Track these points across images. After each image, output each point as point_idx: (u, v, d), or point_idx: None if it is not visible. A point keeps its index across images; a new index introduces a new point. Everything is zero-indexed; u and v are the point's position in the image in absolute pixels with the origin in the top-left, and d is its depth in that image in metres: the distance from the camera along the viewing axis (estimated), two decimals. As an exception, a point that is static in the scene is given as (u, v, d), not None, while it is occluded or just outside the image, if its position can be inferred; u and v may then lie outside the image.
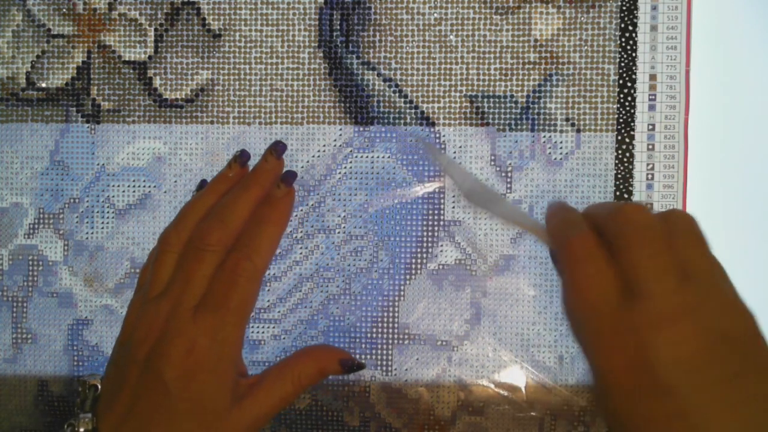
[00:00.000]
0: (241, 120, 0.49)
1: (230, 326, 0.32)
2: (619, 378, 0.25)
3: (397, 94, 0.48)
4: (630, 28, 0.47)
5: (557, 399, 0.47)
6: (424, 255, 0.48)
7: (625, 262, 0.27)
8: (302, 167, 0.48)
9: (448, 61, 0.48)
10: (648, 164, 0.47)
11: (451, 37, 0.48)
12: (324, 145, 0.48)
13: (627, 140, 0.47)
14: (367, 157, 0.48)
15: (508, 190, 0.48)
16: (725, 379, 0.25)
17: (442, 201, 0.48)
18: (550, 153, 0.48)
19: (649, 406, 0.25)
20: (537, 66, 0.48)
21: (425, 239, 0.48)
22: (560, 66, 0.48)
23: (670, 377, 0.25)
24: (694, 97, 0.47)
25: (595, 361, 0.26)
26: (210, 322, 0.32)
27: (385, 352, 0.48)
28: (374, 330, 0.48)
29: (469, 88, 0.48)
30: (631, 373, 0.25)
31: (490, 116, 0.48)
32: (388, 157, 0.48)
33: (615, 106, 0.47)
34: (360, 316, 0.48)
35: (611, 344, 0.26)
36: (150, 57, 0.49)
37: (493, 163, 0.48)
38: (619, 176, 0.47)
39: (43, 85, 0.50)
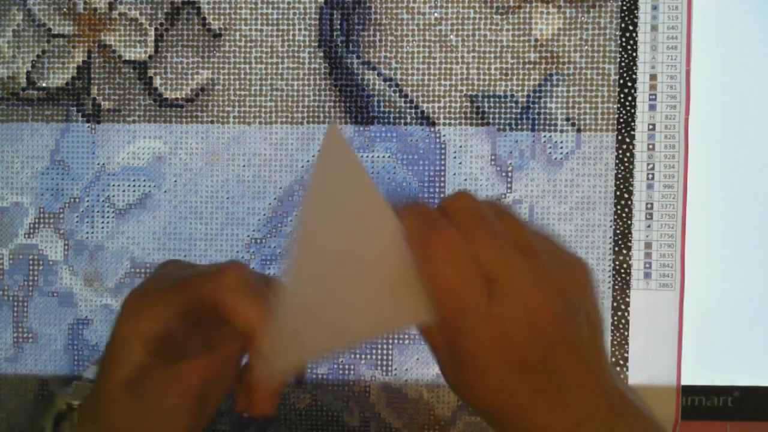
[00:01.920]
0: (241, 120, 0.49)
1: None
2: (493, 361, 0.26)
3: (397, 94, 0.48)
4: (630, 28, 0.47)
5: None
6: (424, 255, 0.48)
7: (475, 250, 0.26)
8: (302, 167, 0.49)
9: (449, 60, 0.48)
10: (648, 164, 0.47)
11: (452, 36, 0.48)
12: (324, 145, 0.48)
13: (627, 140, 0.47)
14: (367, 157, 0.48)
15: (509, 190, 0.48)
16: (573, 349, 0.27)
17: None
18: (550, 153, 0.48)
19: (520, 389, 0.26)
20: (537, 66, 0.48)
21: (425, 239, 0.48)
22: (560, 66, 0.48)
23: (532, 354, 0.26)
24: (694, 97, 0.47)
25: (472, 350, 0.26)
26: None
27: (385, 352, 0.48)
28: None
29: (470, 87, 0.48)
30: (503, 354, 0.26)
31: (491, 116, 0.48)
32: (388, 157, 0.48)
33: (615, 106, 0.47)
34: (360, 316, 0.48)
35: (485, 337, 0.26)
36: (150, 56, 0.49)
37: (493, 162, 0.48)
38: (619, 176, 0.47)
39: (44, 84, 0.50)
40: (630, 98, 0.47)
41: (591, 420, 0.27)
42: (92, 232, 0.49)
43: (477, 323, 0.26)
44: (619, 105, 0.47)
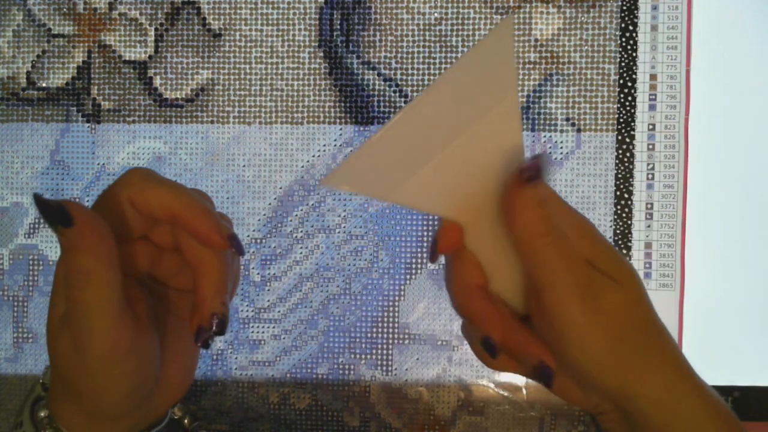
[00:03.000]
0: (241, 120, 0.49)
1: None
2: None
3: (397, 94, 0.48)
4: (630, 28, 0.47)
5: (557, 399, 0.47)
6: (424, 255, 0.48)
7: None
8: (302, 167, 0.49)
9: (449, 60, 0.48)
10: (648, 164, 0.47)
11: (452, 36, 0.48)
12: (324, 145, 0.48)
13: (627, 140, 0.47)
14: (367, 157, 0.48)
15: (508, 190, 0.48)
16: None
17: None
18: (550, 153, 0.48)
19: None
20: (537, 66, 0.48)
21: (425, 239, 0.48)
22: (560, 66, 0.48)
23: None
24: (694, 97, 0.47)
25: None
26: None
27: (385, 352, 0.48)
28: (374, 330, 0.48)
29: (470, 87, 0.48)
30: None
31: (491, 116, 0.48)
32: (388, 157, 0.48)
33: (615, 106, 0.47)
34: (360, 316, 0.48)
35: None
36: (150, 57, 0.49)
37: (493, 163, 0.48)
38: (620, 176, 0.47)
39: (44, 84, 0.50)
40: (630, 98, 0.47)
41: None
42: (92, 232, 0.49)
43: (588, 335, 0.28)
44: (619, 105, 0.47)
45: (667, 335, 0.30)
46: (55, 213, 0.26)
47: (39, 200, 0.26)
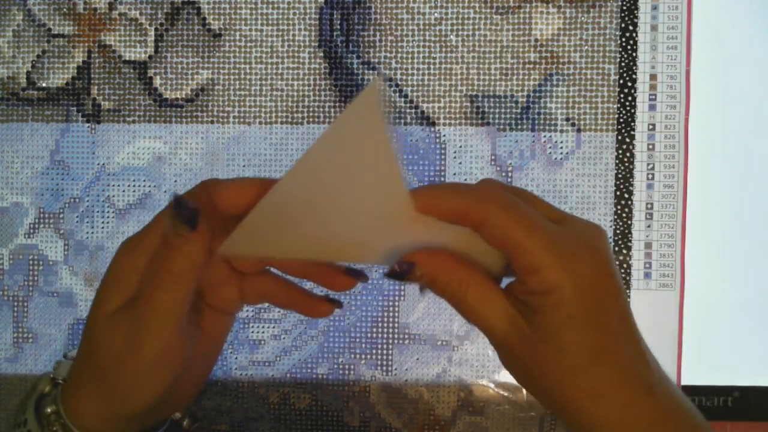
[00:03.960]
0: (241, 120, 0.49)
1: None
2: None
3: (397, 94, 0.48)
4: (630, 28, 0.47)
5: (557, 399, 0.47)
6: (424, 255, 0.48)
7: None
8: (302, 167, 0.48)
9: (449, 60, 0.48)
10: (648, 164, 0.47)
11: (452, 36, 0.48)
12: (324, 145, 0.48)
13: (627, 140, 0.47)
14: (367, 157, 0.48)
15: (508, 190, 0.48)
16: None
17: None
18: (550, 153, 0.48)
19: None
20: (537, 66, 0.48)
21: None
22: (560, 66, 0.48)
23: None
24: (694, 97, 0.47)
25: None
26: None
27: (385, 352, 0.48)
28: (374, 330, 0.48)
29: (470, 87, 0.48)
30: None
31: (491, 116, 0.48)
32: (388, 157, 0.48)
33: (615, 106, 0.47)
34: (360, 316, 0.48)
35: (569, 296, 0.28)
36: (150, 57, 0.49)
37: (493, 162, 0.48)
38: (620, 176, 0.47)
39: (44, 84, 0.50)
40: (630, 98, 0.47)
41: (659, 385, 0.28)
42: (92, 232, 0.49)
43: (568, 267, 0.27)
44: (619, 105, 0.47)
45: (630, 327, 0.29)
46: (188, 214, 0.27)
47: (178, 200, 0.27)
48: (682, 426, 0.28)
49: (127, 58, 0.49)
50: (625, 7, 0.47)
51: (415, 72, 0.48)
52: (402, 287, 0.48)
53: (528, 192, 0.30)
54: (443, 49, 0.48)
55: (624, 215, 0.47)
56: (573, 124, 0.48)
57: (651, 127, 0.47)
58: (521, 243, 0.27)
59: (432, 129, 0.48)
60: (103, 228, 0.49)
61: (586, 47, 0.47)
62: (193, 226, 0.27)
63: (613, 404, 0.28)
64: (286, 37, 0.49)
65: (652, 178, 0.47)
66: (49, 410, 0.30)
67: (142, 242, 0.29)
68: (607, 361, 0.28)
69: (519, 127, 0.48)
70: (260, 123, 0.49)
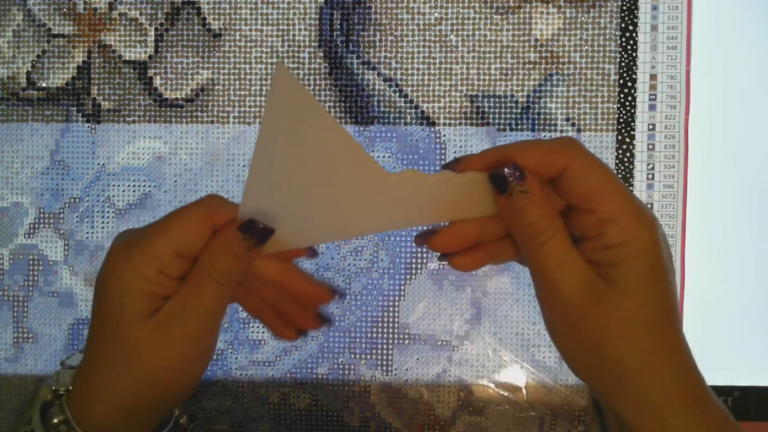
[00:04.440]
0: (241, 120, 0.49)
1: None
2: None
3: (397, 94, 0.48)
4: (630, 28, 0.47)
5: (557, 399, 0.47)
6: (424, 255, 0.48)
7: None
8: (302, 167, 0.49)
9: (449, 60, 0.48)
10: (648, 164, 0.47)
11: (452, 36, 0.48)
12: (324, 145, 0.48)
13: (627, 140, 0.47)
14: (367, 157, 0.48)
15: (508, 190, 0.48)
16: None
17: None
18: (550, 153, 0.48)
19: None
20: (537, 66, 0.48)
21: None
22: (560, 66, 0.48)
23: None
24: (694, 97, 0.47)
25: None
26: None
27: (385, 352, 0.48)
28: (374, 330, 0.48)
29: (470, 87, 0.48)
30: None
31: (491, 116, 0.48)
32: (389, 156, 0.48)
33: (615, 106, 0.47)
34: (360, 316, 0.48)
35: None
36: (150, 57, 0.49)
37: (493, 163, 0.48)
38: (620, 176, 0.47)
39: (44, 84, 0.50)
40: (630, 98, 0.47)
41: (687, 383, 0.28)
42: (92, 232, 0.49)
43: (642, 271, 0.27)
44: (619, 105, 0.47)
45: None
46: (262, 232, 0.30)
47: (252, 220, 0.30)
48: (719, 412, 0.29)
49: (127, 58, 0.49)
50: (625, 7, 0.47)
51: (415, 72, 0.48)
52: (402, 287, 0.48)
53: (601, 165, 0.30)
54: (443, 49, 0.48)
55: (624, 215, 0.47)
56: (573, 124, 0.48)
57: (651, 127, 0.47)
58: (604, 191, 0.28)
59: (432, 129, 0.48)
60: (103, 228, 0.49)
61: (586, 47, 0.47)
62: (262, 243, 0.30)
63: (677, 368, 0.28)
64: (286, 37, 0.49)
65: (652, 178, 0.47)
66: (56, 420, 0.31)
67: (141, 251, 0.30)
68: (674, 320, 0.28)
69: (519, 127, 0.48)
70: (260, 123, 0.49)
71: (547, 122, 0.48)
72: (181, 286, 0.31)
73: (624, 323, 0.27)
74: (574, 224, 0.29)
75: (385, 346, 0.48)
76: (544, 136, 0.48)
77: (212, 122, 0.49)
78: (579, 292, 0.28)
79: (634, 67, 0.47)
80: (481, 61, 0.48)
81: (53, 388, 0.32)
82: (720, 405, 0.29)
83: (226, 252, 0.30)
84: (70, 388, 0.32)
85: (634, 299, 0.27)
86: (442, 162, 0.48)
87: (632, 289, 0.27)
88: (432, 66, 0.48)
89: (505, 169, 0.28)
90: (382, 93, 0.48)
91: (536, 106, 0.48)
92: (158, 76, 0.49)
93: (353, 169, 0.29)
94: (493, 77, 0.48)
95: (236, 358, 0.49)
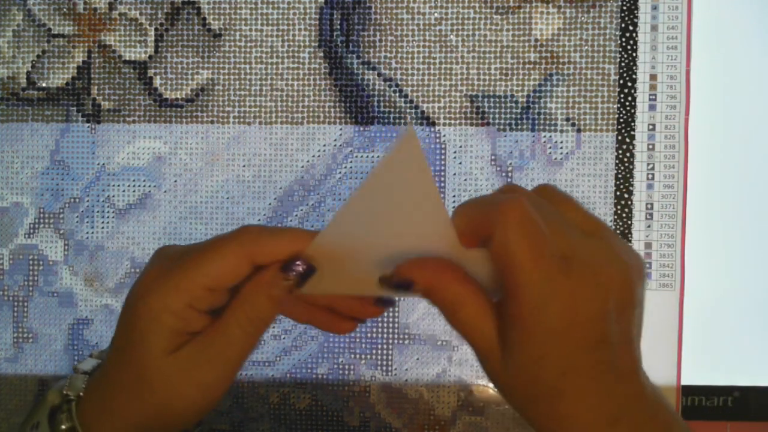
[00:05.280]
0: (241, 120, 0.49)
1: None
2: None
3: (397, 94, 0.48)
4: (630, 28, 0.47)
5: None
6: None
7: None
8: (302, 167, 0.49)
9: (449, 60, 0.48)
10: (648, 164, 0.47)
11: (452, 36, 0.48)
12: (324, 145, 0.48)
13: (627, 140, 0.47)
14: (367, 157, 0.48)
15: (508, 190, 0.48)
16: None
17: (442, 200, 0.48)
18: (550, 153, 0.48)
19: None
20: (537, 66, 0.48)
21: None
22: (560, 66, 0.48)
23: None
24: (694, 97, 0.47)
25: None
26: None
27: (385, 352, 0.48)
28: (374, 330, 0.48)
29: (470, 87, 0.48)
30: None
31: (491, 116, 0.48)
32: (388, 157, 0.48)
33: (615, 106, 0.47)
34: (360, 316, 0.48)
35: (555, 311, 0.28)
36: (150, 57, 0.49)
37: (493, 162, 0.48)
38: (620, 176, 0.47)
39: (44, 84, 0.50)
40: (630, 98, 0.47)
41: (628, 414, 0.27)
42: (92, 232, 0.49)
43: (547, 296, 0.26)
44: (619, 105, 0.47)
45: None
46: (304, 273, 0.29)
47: (293, 259, 0.29)
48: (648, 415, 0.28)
49: (127, 58, 0.49)
50: (625, 7, 0.47)
51: (415, 72, 0.48)
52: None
53: (563, 196, 0.29)
54: (443, 49, 0.48)
55: (624, 215, 0.47)
56: (573, 124, 0.48)
57: (651, 127, 0.47)
58: (515, 277, 0.26)
59: (432, 129, 0.48)
60: (103, 228, 0.49)
61: (586, 47, 0.47)
62: (301, 284, 0.29)
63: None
64: (286, 37, 0.49)
65: (652, 178, 0.47)
66: (64, 427, 0.31)
67: (174, 285, 0.30)
68: (568, 382, 0.28)
69: (519, 127, 0.48)
70: (260, 123, 0.49)
71: (547, 122, 0.48)
72: (208, 327, 0.30)
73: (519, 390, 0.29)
74: None
75: (385, 346, 0.48)
76: (544, 136, 0.48)
77: (212, 122, 0.49)
78: (491, 357, 0.29)
79: (634, 67, 0.47)
80: (481, 61, 0.48)
81: (64, 392, 0.32)
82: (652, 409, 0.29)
83: (263, 294, 0.29)
84: (81, 394, 0.32)
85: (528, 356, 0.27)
86: (442, 162, 0.48)
87: (525, 368, 0.28)
88: (432, 66, 0.48)
89: (393, 278, 0.29)
90: (382, 93, 0.48)
91: (536, 106, 0.48)
92: (158, 76, 0.49)
93: (433, 239, 0.28)
94: (493, 77, 0.48)
95: (236, 358, 0.49)
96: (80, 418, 0.31)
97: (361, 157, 0.48)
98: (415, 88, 0.48)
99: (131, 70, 0.49)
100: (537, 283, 0.26)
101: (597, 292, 0.27)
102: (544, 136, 0.48)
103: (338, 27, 0.48)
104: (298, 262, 0.29)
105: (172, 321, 0.30)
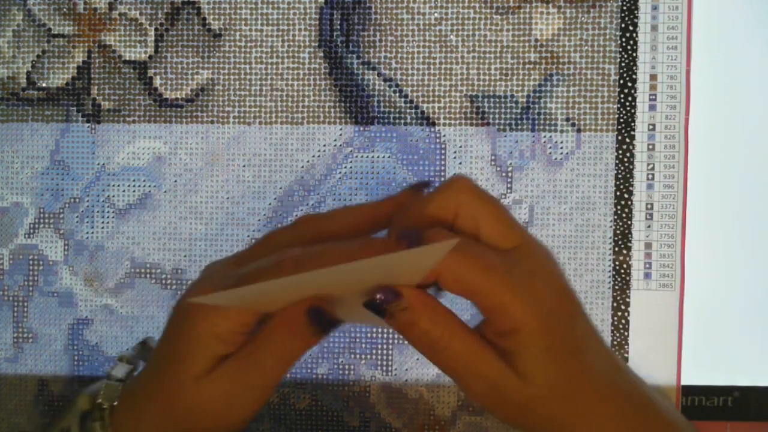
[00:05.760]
0: (241, 120, 0.49)
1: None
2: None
3: (397, 94, 0.48)
4: (630, 28, 0.47)
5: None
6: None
7: None
8: (302, 167, 0.49)
9: (449, 60, 0.48)
10: (648, 164, 0.47)
11: (452, 36, 0.48)
12: (324, 145, 0.48)
13: (627, 140, 0.47)
14: (367, 157, 0.48)
15: (509, 191, 0.48)
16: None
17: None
18: (550, 153, 0.48)
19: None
20: (537, 66, 0.48)
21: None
22: (560, 66, 0.48)
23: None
24: (694, 97, 0.47)
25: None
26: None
27: (385, 352, 0.48)
28: (374, 330, 0.48)
29: (470, 87, 0.48)
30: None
31: (491, 116, 0.48)
32: (389, 157, 0.48)
33: (615, 106, 0.47)
34: (360, 316, 0.48)
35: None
36: (150, 57, 0.49)
37: (493, 163, 0.48)
38: (620, 176, 0.47)
39: (44, 84, 0.50)
40: (630, 98, 0.47)
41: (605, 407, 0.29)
42: (92, 232, 0.49)
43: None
44: (619, 105, 0.47)
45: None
46: (329, 324, 0.30)
47: (319, 311, 0.29)
48: (663, 425, 0.29)
49: (127, 58, 0.49)
50: (625, 7, 0.47)
51: (415, 72, 0.48)
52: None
53: (486, 197, 0.30)
54: (443, 49, 0.48)
55: (624, 215, 0.48)
56: (573, 124, 0.48)
57: (651, 127, 0.47)
58: (480, 287, 0.27)
59: (432, 129, 0.48)
60: (103, 228, 0.49)
61: (586, 47, 0.47)
62: (326, 332, 0.29)
63: (601, 419, 0.28)
64: (286, 37, 0.49)
65: (652, 178, 0.47)
66: None
67: (224, 311, 0.30)
68: (589, 382, 0.28)
69: (519, 127, 0.48)
70: (260, 123, 0.49)
71: (547, 122, 0.48)
72: (243, 349, 0.30)
73: (540, 410, 0.28)
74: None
75: (385, 346, 0.48)
76: (544, 136, 0.48)
77: (212, 122, 0.49)
78: (490, 393, 0.28)
79: (634, 67, 0.47)
80: (481, 61, 0.48)
81: (98, 400, 0.32)
82: (665, 417, 0.29)
83: (290, 332, 0.29)
84: (115, 404, 0.32)
85: (539, 386, 0.27)
86: (442, 162, 0.48)
87: (535, 377, 0.27)
88: (432, 66, 0.48)
89: (377, 296, 0.28)
90: (382, 93, 0.48)
91: (536, 106, 0.48)
92: (158, 76, 0.49)
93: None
94: (493, 77, 0.48)
95: (236, 358, 0.49)
96: (113, 427, 0.31)
97: (361, 157, 0.48)
98: (415, 88, 0.48)
99: (131, 70, 0.49)
100: (513, 294, 0.27)
101: (548, 278, 0.29)
102: (544, 136, 0.48)
103: (338, 27, 0.48)
104: (323, 314, 0.29)
105: (216, 346, 0.30)
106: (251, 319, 0.30)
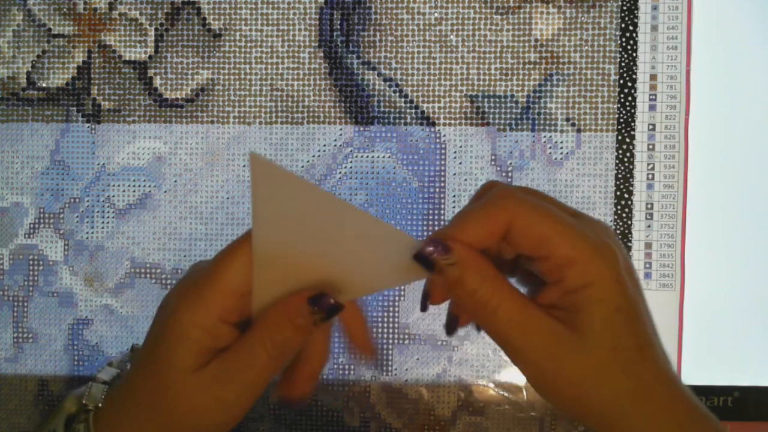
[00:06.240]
0: (241, 120, 0.49)
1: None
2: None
3: (397, 94, 0.48)
4: (630, 28, 0.47)
5: (557, 399, 0.47)
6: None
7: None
8: (302, 167, 0.49)
9: (449, 61, 0.48)
10: (648, 164, 0.47)
11: (452, 37, 0.48)
12: (324, 145, 0.48)
13: (627, 140, 0.47)
14: (367, 156, 0.48)
15: (508, 190, 0.48)
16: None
17: (442, 201, 0.48)
18: (550, 153, 0.48)
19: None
20: (537, 66, 0.48)
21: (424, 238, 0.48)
22: (560, 66, 0.48)
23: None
24: (694, 97, 0.47)
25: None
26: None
27: (385, 352, 0.48)
28: (374, 330, 0.48)
29: (470, 87, 0.48)
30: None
31: (491, 116, 0.48)
32: (389, 156, 0.48)
33: (615, 106, 0.47)
34: (360, 316, 0.48)
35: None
36: (150, 57, 0.49)
37: (493, 163, 0.48)
38: (620, 176, 0.47)
39: (44, 84, 0.50)
40: (630, 98, 0.47)
41: (670, 414, 0.27)
42: (92, 232, 0.49)
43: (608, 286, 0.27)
44: (619, 105, 0.47)
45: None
46: (333, 309, 0.29)
47: (321, 295, 0.29)
48: (709, 427, 0.28)
49: (127, 58, 0.49)
50: (625, 7, 0.47)
51: (415, 72, 0.48)
52: (402, 287, 0.48)
53: (538, 191, 0.30)
54: (443, 49, 0.48)
55: (624, 215, 0.47)
56: (573, 124, 0.48)
57: (651, 127, 0.47)
58: (554, 238, 0.27)
59: (432, 129, 0.48)
60: (103, 228, 0.49)
61: (586, 47, 0.47)
62: (330, 318, 0.29)
63: (659, 402, 0.27)
64: (286, 37, 0.49)
65: (652, 178, 0.47)
66: None
67: (203, 299, 0.29)
68: (650, 355, 0.27)
69: (519, 127, 0.48)
70: (260, 123, 0.49)
71: (547, 122, 0.48)
72: (234, 345, 0.30)
73: (597, 372, 0.27)
74: (535, 269, 0.28)
75: (385, 346, 0.48)
76: (544, 136, 0.48)
77: (212, 122, 0.49)
78: (545, 352, 0.27)
79: (634, 67, 0.47)
80: (481, 61, 0.48)
81: (83, 401, 0.32)
82: (710, 420, 0.28)
83: (288, 322, 0.29)
84: (100, 405, 0.32)
85: (602, 346, 0.27)
86: (442, 162, 0.48)
87: (599, 335, 0.27)
88: (432, 66, 0.48)
89: (427, 248, 0.27)
90: (382, 93, 0.48)
91: (536, 106, 0.48)
92: (158, 76, 0.49)
93: (348, 229, 0.28)
94: (493, 77, 0.48)
95: (236, 358, 0.49)
96: (96, 429, 0.31)
97: (361, 157, 0.48)
98: (415, 88, 0.48)
99: (131, 70, 0.49)
100: (589, 249, 0.27)
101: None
102: (544, 136, 0.48)
103: (338, 27, 0.48)
104: (326, 297, 0.29)
105: (202, 337, 0.29)
106: (233, 301, 0.29)
